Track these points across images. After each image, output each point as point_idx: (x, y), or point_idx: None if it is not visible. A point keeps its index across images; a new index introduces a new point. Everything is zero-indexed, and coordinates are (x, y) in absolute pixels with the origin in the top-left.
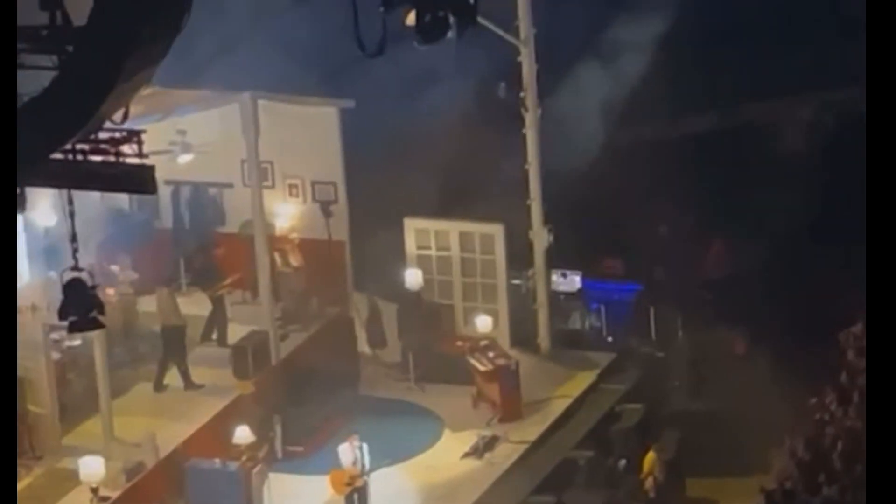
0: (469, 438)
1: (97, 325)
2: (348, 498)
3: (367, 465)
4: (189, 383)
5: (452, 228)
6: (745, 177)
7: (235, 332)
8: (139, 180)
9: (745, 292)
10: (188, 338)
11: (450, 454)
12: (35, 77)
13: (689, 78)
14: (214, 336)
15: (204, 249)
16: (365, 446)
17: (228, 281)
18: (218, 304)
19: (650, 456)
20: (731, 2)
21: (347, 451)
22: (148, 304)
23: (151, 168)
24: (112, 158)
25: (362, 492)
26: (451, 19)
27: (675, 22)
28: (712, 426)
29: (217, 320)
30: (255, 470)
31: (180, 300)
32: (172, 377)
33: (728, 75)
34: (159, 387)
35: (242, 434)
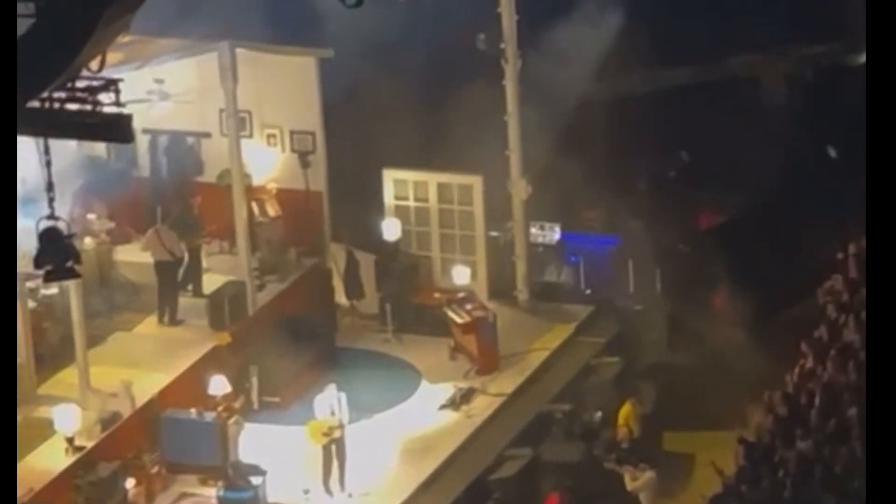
0: (446, 390)
1: (73, 274)
2: (325, 448)
3: (345, 416)
4: (173, 320)
5: (431, 179)
6: (724, 130)
7: (212, 282)
8: (116, 129)
9: (724, 247)
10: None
11: (427, 406)
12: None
13: (668, 31)
14: (190, 287)
15: (181, 198)
16: (343, 397)
17: (205, 232)
18: (194, 254)
19: (626, 409)
20: None
21: (324, 402)
22: (124, 254)
23: (129, 117)
24: (89, 107)
25: (340, 443)
26: None
27: None
28: (690, 380)
29: (193, 270)
30: (231, 420)
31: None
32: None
33: (706, 29)
34: (162, 320)
35: (218, 384)
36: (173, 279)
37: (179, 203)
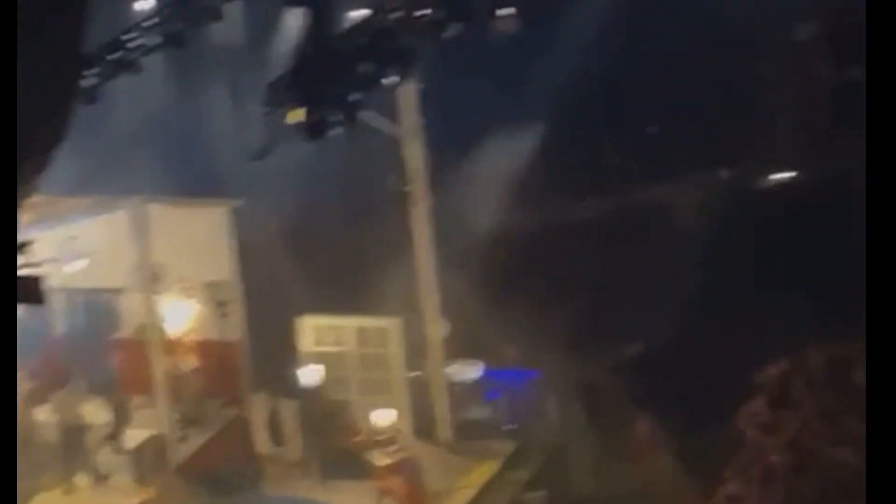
0: None
1: None
2: None
3: None
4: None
5: (348, 324)
6: (640, 259)
7: (135, 437)
8: (28, 292)
9: (645, 376)
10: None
11: None
12: None
13: (577, 161)
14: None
15: (100, 357)
16: None
17: (124, 388)
18: (119, 409)
19: None
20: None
21: None
22: (44, 414)
23: (40, 279)
24: None
25: None
26: (338, 117)
27: (556, 102)
28: None
29: (118, 425)
30: None
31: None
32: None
33: (614, 156)
34: (69, 489)
35: None
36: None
37: (98, 361)
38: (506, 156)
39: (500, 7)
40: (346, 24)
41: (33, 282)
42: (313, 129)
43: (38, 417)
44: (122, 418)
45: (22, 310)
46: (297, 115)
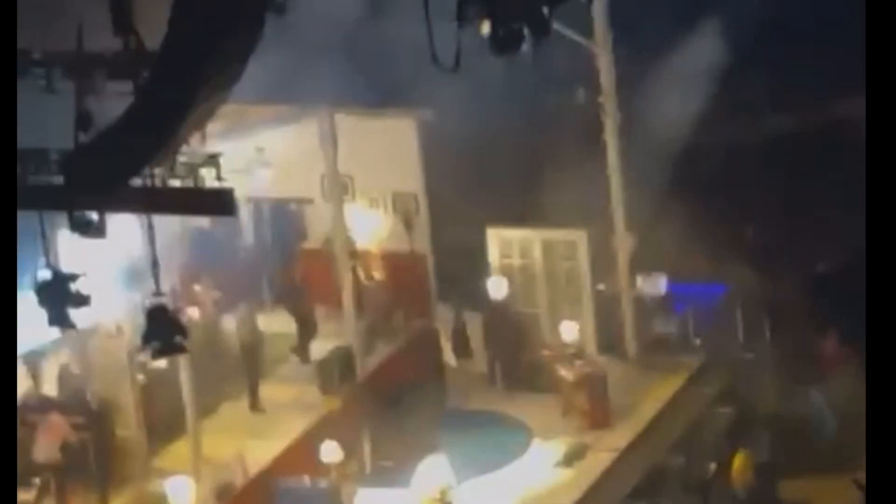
0: (559, 447)
1: (180, 350)
2: None
3: (452, 479)
4: (255, 405)
5: (535, 236)
6: (833, 176)
7: (320, 348)
8: (218, 204)
9: (833, 293)
10: (267, 356)
11: (540, 464)
12: (112, 103)
13: (774, 78)
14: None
15: (286, 266)
16: (444, 461)
17: (310, 298)
18: (306, 320)
19: (740, 459)
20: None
21: (426, 472)
22: (232, 323)
23: (231, 191)
24: (191, 183)
25: None
26: (526, 31)
27: (755, 21)
28: (803, 427)
29: (304, 336)
30: (345, 486)
31: (265, 318)
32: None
33: (814, 74)
34: (254, 406)
35: (331, 451)
36: (254, 363)
37: (284, 271)
38: (696, 71)
39: None
40: None
41: (224, 193)
42: (504, 42)
43: (224, 327)
44: (307, 329)
45: (211, 220)
46: (488, 28)
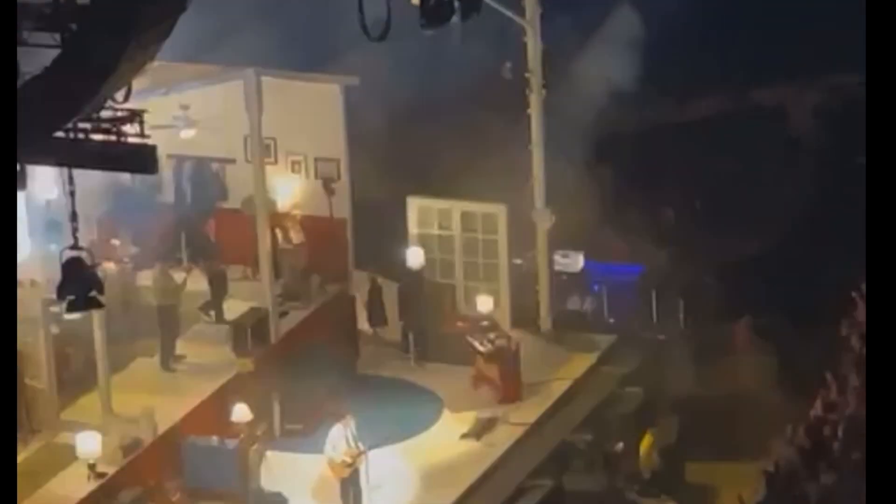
0: (468, 419)
1: (96, 304)
2: (343, 481)
3: (361, 445)
4: (167, 364)
5: (455, 207)
6: (752, 161)
7: (235, 309)
8: (140, 160)
9: (748, 279)
10: (182, 314)
11: (449, 435)
12: (38, 55)
13: (698, 61)
14: (212, 313)
15: (206, 224)
16: (353, 427)
17: (224, 257)
18: (217, 280)
19: (648, 440)
20: None
21: (337, 435)
22: (147, 279)
23: (153, 148)
24: (114, 137)
25: (359, 472)
26: (456, 3)
27: (685, 4)
28: (712, 412)
29: (216, 296)
30: (253, 448)
31: (180, 275)
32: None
33: (734, 59)
34: (165, 364)
35: (241, 412)
36: (170, 322)
37: (202, 230)
38: (624, 51)
39: None
40: None
41: (147, 149)
42: (434, 13)
43: (139, 283)
44: (219, 289)
45: (132, 176)
46: None
